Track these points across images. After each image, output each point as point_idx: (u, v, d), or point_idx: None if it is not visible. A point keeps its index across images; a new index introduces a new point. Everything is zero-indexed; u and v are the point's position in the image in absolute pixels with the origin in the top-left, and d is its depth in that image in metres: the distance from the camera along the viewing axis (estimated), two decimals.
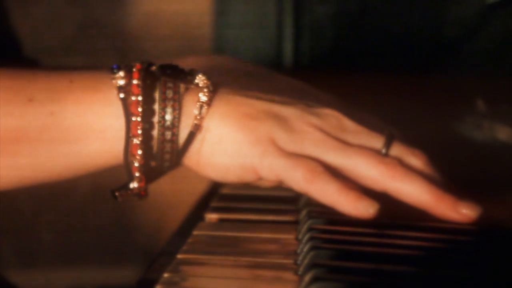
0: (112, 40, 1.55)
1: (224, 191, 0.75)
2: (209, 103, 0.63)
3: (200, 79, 0.63)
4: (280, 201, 0.70)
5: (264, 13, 1.10)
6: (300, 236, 0.60)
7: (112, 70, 0.63)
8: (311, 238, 0.57)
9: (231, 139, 0.63)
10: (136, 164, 0.63)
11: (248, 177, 0.64)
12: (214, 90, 0.64)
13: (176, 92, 0.63)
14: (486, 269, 0.52)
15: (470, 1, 0.94)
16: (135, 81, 0.63)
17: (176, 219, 0.70)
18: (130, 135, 0.63)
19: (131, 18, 1.61)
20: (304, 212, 0.66)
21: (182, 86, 0.64)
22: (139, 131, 0.62)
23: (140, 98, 0.62)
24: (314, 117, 0.64)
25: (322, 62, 1.06)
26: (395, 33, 1.02)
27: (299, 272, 0.52)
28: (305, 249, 0.55)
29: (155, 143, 0.63)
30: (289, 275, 0.52)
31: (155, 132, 0.63)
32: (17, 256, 1.70)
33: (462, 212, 0.60)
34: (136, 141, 0.62)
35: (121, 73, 0.63)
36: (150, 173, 0.64)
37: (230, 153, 0.63)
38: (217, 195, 0.75)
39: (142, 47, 1.56)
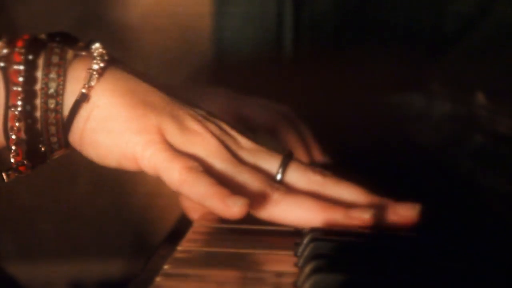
0: (111, 32, 1.55)
1: None
2: (100, 72, 0.59)
3: (95, 48, 0.60)
4: None
5: (263, 4, 1.09)
6: (300, 228, 0.60)
7: None
8: (311, 230, 0.57)
9: (117, 122, 0.59)
10: (13, 137, 0.59)
11: (128, 165, 0.59)
12: (110, 61, 0.60)
13: (62, 58, 0.59)
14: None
15: None
16: (17, 49, 0.59)
17: (177, 210, 0.69)
18: (10, 105, 0.58)
19: (131, 9, 1.60)
20: None
21: (71, 54, 0.60)
22: (19, 102, 0.58)
23: (21, 66, 0.58)
24: (213, 124, 0.60)
25: (322, 55, 1.06)
26: (395, 26, 1.02)
27: (299, 264, 0.52)
28: (305, 241, 0.55)
29: (38, 114, 0.59)
30: (289, 267, 0.52)
31: (38, 102, 0.59)
32: (17, 248, 1.70)
33: (354, 217, 0.57)
34: (15, 111, 0.58)
35: (1, 43, 0.59)
36: (35, 151, 0.59)
37: (114, 136, 0.58)
38: None
39: (141, 38, 1.56)
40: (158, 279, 0.49)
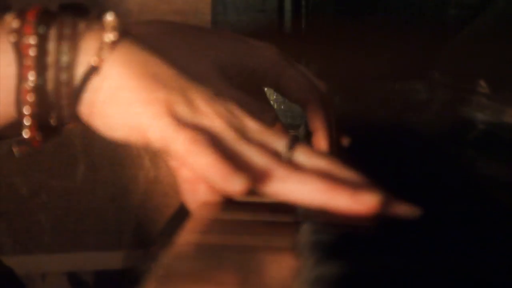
0: None
1: None
2: (112, 44, 0.59)
3: (108, 20, 0.59)
4: None
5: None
6: (300, 219, 0.60)
7: (2, 14, 0.59)
8: (311, 222, 0.56)
9: (126, 93, 0.58)
10: (27, 112, 0.58)
11: (135, 137, 0.59)
12: (122, 33, 0.59)
13: (74, 30, 0.59)
14: None
15: None
16: (28, 22, 0.58)
17: (175, 200, 0.69)
18: (21, 78, 0.58)
19: (130, 0, 1.60)
20: None
21: (82, 26, 0.59)
22: (31, 76, 0.58)
23: (32, 39, 0.58)
24: (220, 105, 0.60)
25: (321, 42, 1.05)
26: (398, 12, 1.01)
27: (300, 256, 0.51)
28: (306, 233, 0.54)
29: (50, 87, 0.58)
30: (289, 259, 0.51)
31: (49, 75, 0.58)
32: (14, 239, 1.70)
33: (361, 200, 0.55)
34: (27, 85, 0.58)
35: (12, 16, 0.59)
36: (47, 124, 0.59)
37: (122, 107, 0.58)
38: None
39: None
40: (154, 270, 0.49)
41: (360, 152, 0.78)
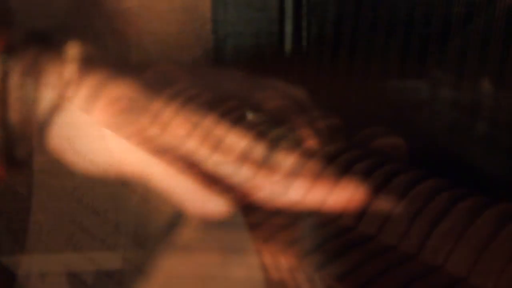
0: (108, 18, 1.55)
1: None
2: (75, 80, 0.59)
3: (71, 53, 0.59)
4: None
5: None
6: (298, 220, 0.60)
7: None
8: (310, 222, 0.56)
9: (95, 127, 0.58)
10: None
11: (109, 172, 0.60)
12: (87, 67, 0.59)
13: (38, 65, 0.58)
14: None
15: None
16: None
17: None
18: None
19: None
20: None
21: (47, 59, 0.59)
22: None
23: None
24: (195, 125, 0.59)
25: (323, 42, 1.05)
26: (400, 11, 1.01)
27: (302, 256, 0.51)
28: (305, 234, 0.54)
29: (14, 125, 0.58)
30: (289, 261, 0.51)
31: (13, 113, 0.58)
32: (13, 239, 1.70)
33: (348, 195, 0.56)
34: None
35: None
36: (12, 159, 0.59)
37: (93, 143, 0.59)
38: None
39: (139, 26, 1.55)
40: (154, 270, 0.49)
41: (360, 150, 0.78)
